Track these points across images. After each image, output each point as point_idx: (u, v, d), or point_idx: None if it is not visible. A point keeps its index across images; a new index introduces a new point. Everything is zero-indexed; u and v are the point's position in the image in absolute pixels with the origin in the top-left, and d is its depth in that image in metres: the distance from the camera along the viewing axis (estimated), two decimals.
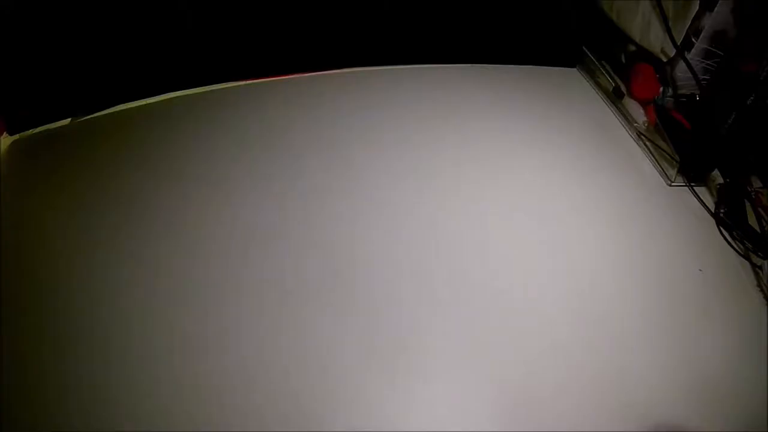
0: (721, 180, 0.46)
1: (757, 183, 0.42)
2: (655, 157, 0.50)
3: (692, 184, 0.47)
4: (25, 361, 0.30)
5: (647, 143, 0.51)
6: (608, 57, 0.58)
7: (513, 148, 0.49)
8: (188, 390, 0.29)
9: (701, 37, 0.44)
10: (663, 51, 0.47)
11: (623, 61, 0.55)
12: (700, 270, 0.40)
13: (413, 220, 0.41)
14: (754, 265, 0.40)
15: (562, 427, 0.30)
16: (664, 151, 0.48)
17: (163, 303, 0.33)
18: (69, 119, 0.47)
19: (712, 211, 0.45)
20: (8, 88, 0.45)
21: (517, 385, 0.31)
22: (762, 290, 0.39)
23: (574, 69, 0.63)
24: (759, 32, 0.41)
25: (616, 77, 0.55)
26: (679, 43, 0.44)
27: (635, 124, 0.53)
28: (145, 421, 0.28)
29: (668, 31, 0.45)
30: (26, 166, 0.41)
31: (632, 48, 0.53)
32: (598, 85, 0.59)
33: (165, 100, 0.50)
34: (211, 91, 0.52)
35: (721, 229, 0.43)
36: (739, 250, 0.42)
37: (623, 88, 0.54)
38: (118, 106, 0.49)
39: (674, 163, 0.47)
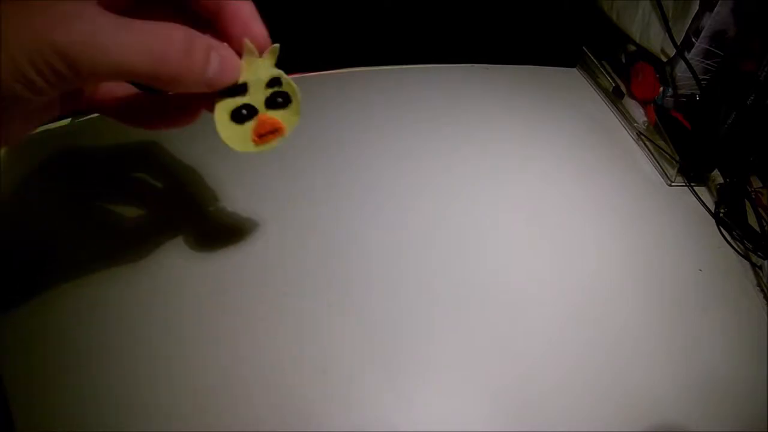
0: (721, 180, 0.46)
1: (757, 183, 0.42)
2: (655, 157, 0.50)
3: (692, 184, 0.47)
4: (24, 363, 0.29)
5: (647, 143, 0.51)
6: (608, 57, 0.58)
7: (512, 148, 0.49)
8: (186, 390, 0.29)
9: (701, 37, 0.43)
10: (663, 51, 0.47)
11: (623, 61, 0.55)
12: (700, 270, 0.40)
13: (412, 220, 0.40)
14: (754, 265, 0.40)
15: (562, 427, 0.30)
16: (664, 151, 0.48)
17: (161, 303, 0.33)
18: (69, 119, 0.47)
19: (712, 211, 0.45)
20: None
21: (517, 384, 0.31)
22: (762, 290, 0.39)
23: (574, 69, 0.63)
24: (759, 32, 0.41)
25: (616, 77, 0.55)
26: (679, 43, 0.44)
27: (635, 124, 0.52)
28: (143, 420, 0.28)
29: (668, 31, 0.45)
30: (26, 166, 0.41)
31: (632, 48, 0.53)
32: (598, 85, 0.59)
33: None
34: None
35: (721, 229, 0.43)
36: (739, 250, 0.42)
37: (623, 88, 0.54)
38: None
39: (674, 163, 0.47)
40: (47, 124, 0.26)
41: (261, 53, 0.25)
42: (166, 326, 0.32)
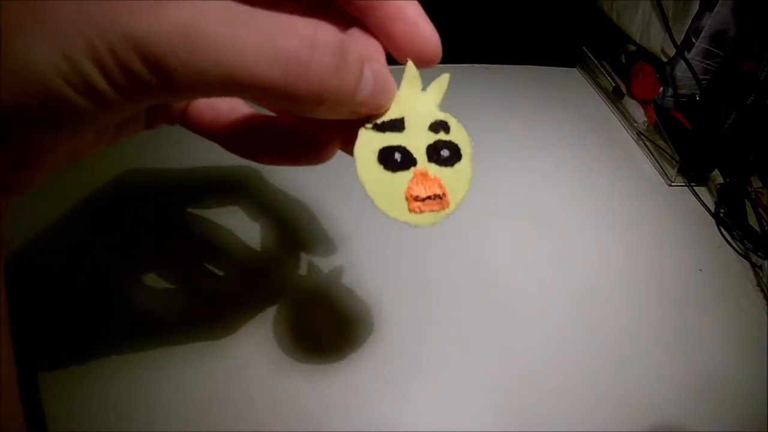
0: (721, 180, 0.46)
1: (757, 183, 0.42)
2: (655, 157, 0.50)
3: (692, 184, 0.47)
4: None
5: (647, 143, 0.51)
6: (608, 57, 0.58)
7: (512, 148, 0.49)
8: (186, 391, 0.29)
9: (701, 37, 0.43)
10: (663, 51, 0.47)
11: (623, 61, 0.55)
12: (700, 270, 0.40)
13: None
14: (754, 265, 0.40)
15: (562, 427, 0.30)
16: (664, 151, 0.48)
17: (163, 302, 0.33)
18: None
19: (712, 211, 0.45)
20: None
21: (517, 384, 0.31)
22: (762, 290, 0.39)
23: (574, 69, 0.63)
24: (759, 32, 0.41)
25: (616, 77, 0.55)
26: (679, 43, 0.44)
27: (635, 124, 0.52)
28: (143, 420, 0.28)
29: (668, 31, 0.45)
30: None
31: (632, 48, 0.53)
32: (598, 85, 0.59)
33: None
34: None
35: (721, 229, 0.43)
36: (739, 250, 0.42)
37: (623, 88, 0.54)
38: None
39: (674, 163, 0.47)
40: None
41: (426, 65, 0.19)
42: (167, 326, 0.32)
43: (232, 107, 0.21)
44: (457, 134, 0.19)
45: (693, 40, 0.44)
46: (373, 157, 0.17)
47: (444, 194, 0.18)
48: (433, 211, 0.17)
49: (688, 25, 0.44)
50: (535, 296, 0.37)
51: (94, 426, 0.27)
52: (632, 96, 0.53)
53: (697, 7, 0.43)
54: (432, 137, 0.18)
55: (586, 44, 0.61)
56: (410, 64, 0.19)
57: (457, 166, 0.19)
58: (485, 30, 0.60)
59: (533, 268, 0.39)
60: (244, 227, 0.37)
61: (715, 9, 0.42)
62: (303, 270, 0.36)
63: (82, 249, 0.35)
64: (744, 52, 0.42)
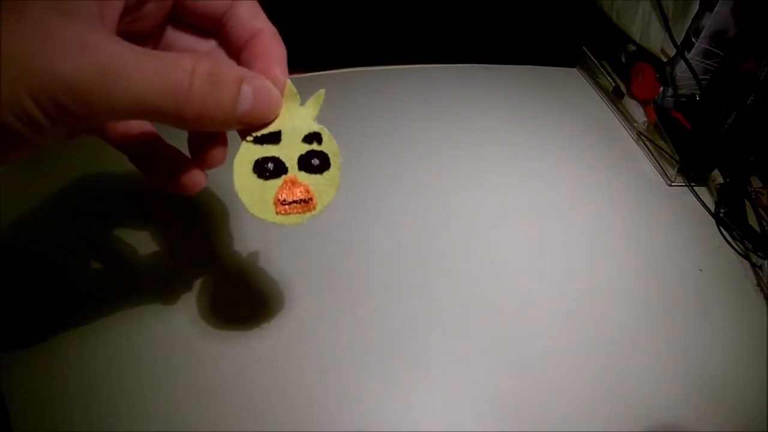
0: (721, 180, 0.46)
1: (757, 183, 0.42)
2: (655, 157, 0.50)
3: (692, 184, 0.47)
4: (29, 367, 0.29)
5: (647, 143, 0.51)
6: (608, 57, 0.58)
7: (512, 148, 0.49)
8: (187, 391, 0.29)
9: (701, 37, 0.43)
10: (663, 51, 0.47)
11: (623, 61, 0.55)
12: (700, 270, 0.40)
13: (411, 220, 0.41)
14: (754, 265, 0.40)
15: (562, 427, 0.30)
16: (664, 151, 0.48)
17: (163, 302, 0.33)
18: None
19: (712, 211, 0.45)
20: None
21: (517, 385, 0.31)
22: (762, 290, 0.39)
23: (574, 69, 0.63)
24: (759, 32, 0.41)
25: (616, 77, 0.55)
26: (679, 43, 0.44)
27: (635, 124, 0.53)
28: (144, 419, 0.28)
29: (668, 31, 0.45)
30: (26, 165, 0.41)
31: (632, 48, 0.53)
32: (598, 85, 0.59)
33: None
34: None
35: (721, 229, 0.43)
36: (739, 250, 0.42)
37: (623, 88, 0.54)
38: None
39: (674, 163, 0.47)
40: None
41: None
42: (167, 327, 0.32)
43: (141, 126, 0.25)
44: (328, 145, 0.21)
45: (693, 40, 0.44)
46: (249, 166, 0.20)
47: (310, 198, 0.21)
48: (299, 213, 0.20)
49: (688, 25, 0.44)
50: (534, 296, 0.37)
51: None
52: (632, 96, 0.53)
53: (697, 7, 0.43)
54: (305, 148, 0.21)
55: (586, 44, 0.61)
56: (288, 81, 0.21)
57: (326, 173, 0.21)
58: (485, 30, 0.60)
59: (533, 267, 0.39)
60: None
61: (715, 9, 0.42)
62: (298, 270, 0.36)
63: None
64: (744, 52, 0.42)
